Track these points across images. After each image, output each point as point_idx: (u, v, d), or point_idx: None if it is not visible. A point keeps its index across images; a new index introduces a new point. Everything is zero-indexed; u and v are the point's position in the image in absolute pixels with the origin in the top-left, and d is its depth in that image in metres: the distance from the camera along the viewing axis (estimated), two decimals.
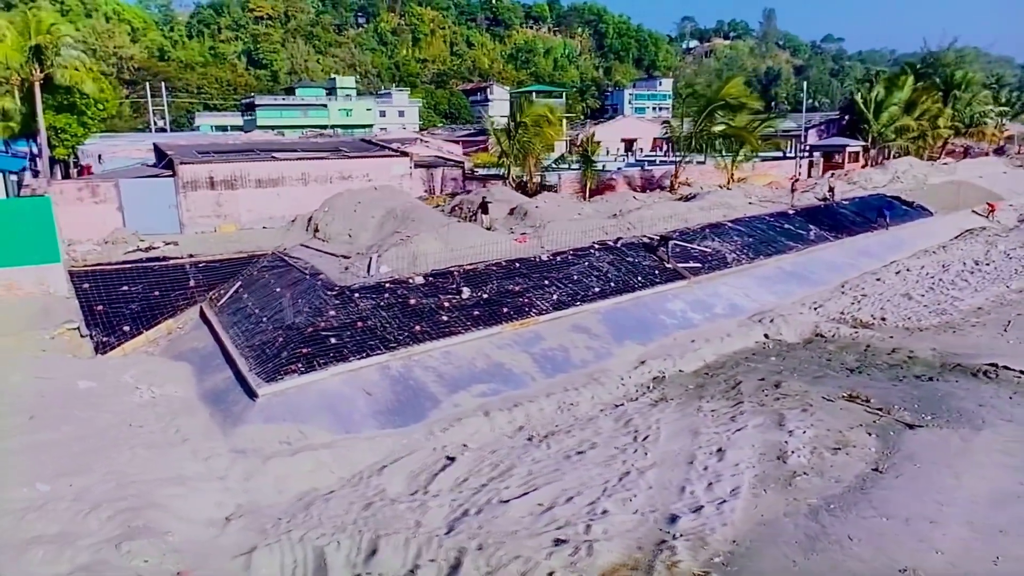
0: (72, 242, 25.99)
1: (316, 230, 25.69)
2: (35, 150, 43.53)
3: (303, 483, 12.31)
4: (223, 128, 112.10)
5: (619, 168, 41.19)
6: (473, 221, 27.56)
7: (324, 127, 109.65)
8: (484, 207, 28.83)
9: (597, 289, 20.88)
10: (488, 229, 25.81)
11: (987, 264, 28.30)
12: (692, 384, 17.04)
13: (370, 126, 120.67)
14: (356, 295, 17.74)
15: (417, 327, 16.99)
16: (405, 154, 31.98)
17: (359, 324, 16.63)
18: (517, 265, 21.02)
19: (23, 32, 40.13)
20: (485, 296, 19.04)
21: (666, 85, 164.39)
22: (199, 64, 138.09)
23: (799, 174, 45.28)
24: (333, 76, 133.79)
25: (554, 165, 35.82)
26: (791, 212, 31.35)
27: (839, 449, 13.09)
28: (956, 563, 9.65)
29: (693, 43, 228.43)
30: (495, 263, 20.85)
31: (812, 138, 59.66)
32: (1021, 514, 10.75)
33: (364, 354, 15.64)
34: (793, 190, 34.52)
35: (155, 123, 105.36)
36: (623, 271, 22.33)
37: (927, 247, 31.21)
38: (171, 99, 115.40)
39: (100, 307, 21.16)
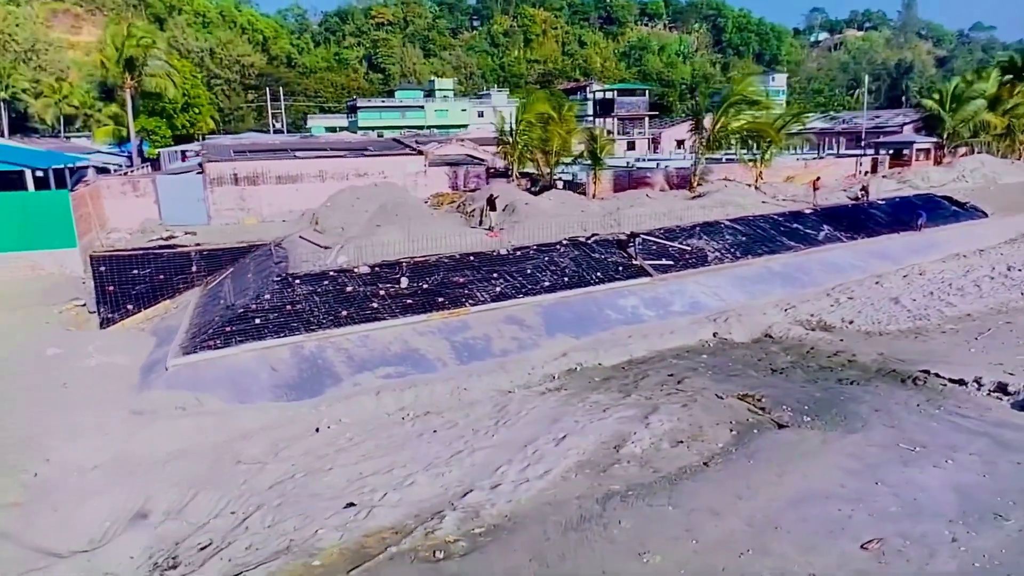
0: (112, 230, 29.30)
1: (316, 223, 27.55)
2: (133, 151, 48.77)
3: (177, 443, 13.78)
4: (332, 129, 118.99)
5: (657, 166, 40.69)
6: (473, 216, 28.51)
7: (421, 127, 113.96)
8: (492, 205, 29.53)
9: (547, 283, 21.30)
10: (489, 228, 26.49)
11: (1021, 270, 26.06)
12: (600, 377, 17.22)
13: (465, 126, 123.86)
14: (297, 282, 19.20)
15: (344, 312, 18.22)
16: (420, 153, 33.36)
17: (288, 307, 18.07)
18: (471, 258, 21.81)
19: (117, 44, 45.03)
20: (425, 286, 19.99)
21: (779, 80, 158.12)
22: (322, 69, 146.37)
23: (859, 172, 42.90)
24: (432, 78, 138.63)
25: (579, 162, 35.98)
26: (809, 212, 30.09)
27: (683, 443, 13.07)
28: (701, 551, 9.68)
29: (822, 35, 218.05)
30: (449, 256, 21.74)
31: (908, 135, 56.03)
32: (811, 514, 10.49)
33: (283, 334, 17.04)
34: (815, 189, 33.00)
35: (273, 125, 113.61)
36: (584, 267, 22.58)
37: (962, 251, 29.04)
38: (290, 103, 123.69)
39: (111, 287, 23.87)
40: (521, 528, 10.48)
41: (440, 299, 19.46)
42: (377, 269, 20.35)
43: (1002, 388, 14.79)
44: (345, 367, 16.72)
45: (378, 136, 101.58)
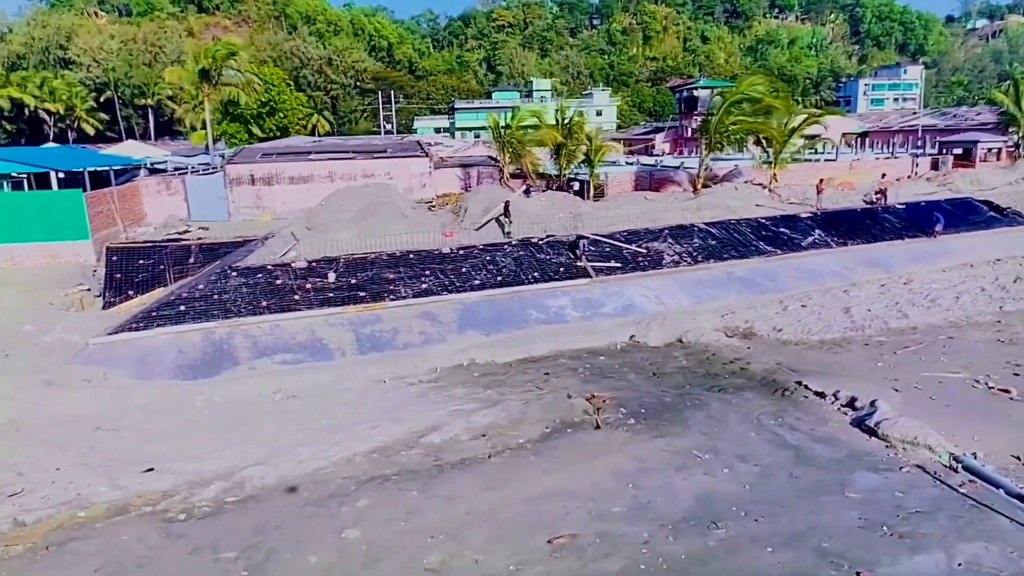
0: (147, 224, 32.73)
1: (308, 221, 29.55)
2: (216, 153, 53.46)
3: (70, 409, 15.77)
4: (437, 130, 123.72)
5: (680, 166, 39.89)
6: (458, 215, 29.51)
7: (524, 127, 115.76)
8: (507, 211, 30.17)
9: (478, 281, 21.98)
10: (507, 234, 26.89)
11: (1020, 281, 23.88)
12: (480, 373, 17.78)
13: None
14: (234, 274, 21.03)
15: (264, 303, 19.82)
16: (427, 155, 34.74)
17: (215, 297, 19.90)
18: (411, 256, 22.84)
19: (196, 58, 49.66)
20: (353, 281, 21.25)
21: (913, 73, 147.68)
22: (441, 72, 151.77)
23: (914, 173, 39.99)
24: (530, 79, 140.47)
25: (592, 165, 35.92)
26: (806, 216, 28.75)
27: (485, 436, 13.54)
28: (401, 532, 10.23)
29: (981, 22, 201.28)
30: (389, 253, 22.89)
31: (975, 134, 51.34)
32: (537, 509, 10.69)
33: (200, 320, 18.86)
34: (819, 192, 31.35)
35: (384, 126, 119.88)
36: (524, 266, 23.05)
37: (975, 260, 26.84)
38: (402, 105, 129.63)
39: (119, 275, 26.87)
40: (268, 500, 11.47)
41: (362, 293, 20.66)
42: (313, 264, 21.85)
43: (851, 403, 14.13)
44: (247, 352, 18.29)
45: (475, 137, 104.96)
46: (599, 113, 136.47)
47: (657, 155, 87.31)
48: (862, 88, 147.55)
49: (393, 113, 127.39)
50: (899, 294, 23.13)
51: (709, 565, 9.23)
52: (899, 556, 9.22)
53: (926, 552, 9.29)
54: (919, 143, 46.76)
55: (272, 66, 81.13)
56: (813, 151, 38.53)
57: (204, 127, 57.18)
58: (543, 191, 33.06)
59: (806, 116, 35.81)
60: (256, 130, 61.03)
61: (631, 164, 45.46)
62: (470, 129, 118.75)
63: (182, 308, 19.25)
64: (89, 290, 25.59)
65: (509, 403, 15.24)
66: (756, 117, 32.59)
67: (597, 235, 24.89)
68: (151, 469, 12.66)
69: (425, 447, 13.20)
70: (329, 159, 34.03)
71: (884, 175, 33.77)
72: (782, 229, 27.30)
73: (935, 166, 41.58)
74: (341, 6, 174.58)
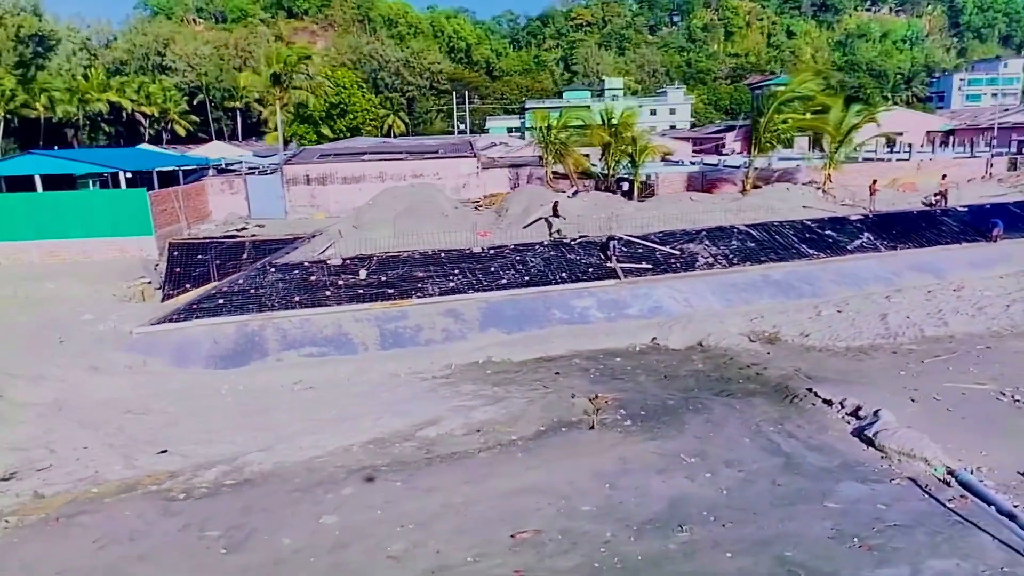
0: (212, 220, 34.57)
1: (355, 220, 30.58)
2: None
3: (108, 393, 17.01)
4: (509, 130, 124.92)
5: (740, 167, 38.93)
6: (500, 215, 29.91)
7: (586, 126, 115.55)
8: (556, 211, 30.41)
9: (505, 281, 22.30)
10: (557, 232, 27.02)
11: None
12: (494, 371, 18.10)
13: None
14: (272, 270, 22.08)
15: (297, 298, 20.75)
16: (474, 156, 35.27)
17: (252, 291, 20.97)
18: (442, 255, 23.37)
19: (269, 63, 52.03)
20: (384, 279, 21.94)
21: (1014, 67, 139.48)
22: (517, 72, 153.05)
23: (988, 173, 37.81)
24: (603, 78, 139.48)
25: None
26: (856, 218, 27.69)
27: (479, 431, 13.87)
28: (376, 520, 10.67)
29: None
30: (422, 252, 23.48)
31: None
32: (510, 503, 10.91)
33: (236, 312, 19.93)
34: (872, 193, 30.04)
35: (457, 126, 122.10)
36: (553, 266, 23.21)
37: None
38: (476, 105, 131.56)
39: (178, 269, 28.54)
40: (262, 484, 12.15)
41: (391, 291, 21.32)
42: (347, 261, 22.68)
43: (855, 412, 13.72)
44: (276, 344, 19.22)
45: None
46: (672, 111, 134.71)
47: (726, 154, 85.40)
48: (956, 83, 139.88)
49: (467, 113, 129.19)
50: (945, 301, 22.06)
51: (664, 567, 9.26)
52: (861, 569, 9.02)
53: (891, 566, 9.05)
54: (993, 142, 44.06)
55: (346, 69, 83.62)
56: (879, 150, 36.94)
57: (277, 128, 59.79)
58: (588, 191, 33.05)
59: (864, 113, 34.33)
60: (326, 131, 63.25)
61: (694, 164, 44.82)
62: (600, 126, 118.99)
63: (220, 301, 20.39)
64: (150, 283, 27.29)
65: (512, 400, 15.51)
66: (807, 115, 31.59)
67: (631, 236, 24.79)
68: (165, 451, 13.58)
69: (420, 440, 13.63)
70: (380, 160, 35.08)
71: (944, 176, 32.01)
72: (828, 232, 26.42)
73: (1014, 166, 39.13)
74: (424, 8, 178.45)
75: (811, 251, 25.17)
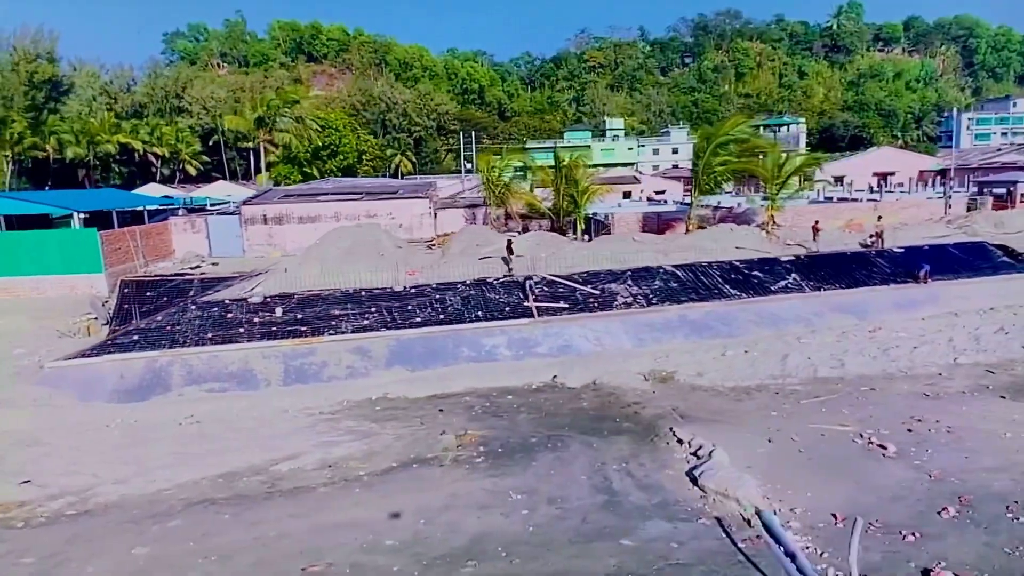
0: (173, 258, 35.52)
1: (303, 258, 31.32)
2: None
3: (9, 424, 17.54)
4: (516, 169, 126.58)
5: (717, 206, 39.41)
6: (442, 253, 30.54)
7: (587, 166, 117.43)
8: (510, 249, 31.03)
9: (419, 319, 22.80)
10: (510, 270, 27.50)
11: (1007, 333, 22.44)
12: (383, 407, 18.42)
13: (631, 164, 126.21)
14: (193, 307, 22.77)
15: (209, 335, 21.37)
16: (427, 197, 36.12)
17: (168, 328, 21.63)
18: (362, 294, 23.95)
19: (254, 108, 53.66)
20: (300, 316, 22.54)
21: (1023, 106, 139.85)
22: (529, 112, 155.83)
23: (946, 214, 37.94)
24: (604, 119, 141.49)
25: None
26: (784, 259, 27.95)
27: (331, 467, 14.24)
28: (189, 551, 11.04)
29: None
30: (343, 291, 24.09)
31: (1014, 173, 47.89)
32: (321, 536, 11.33)
33: (148, 348, 20.57)
34: (815, 233, 30.37)
35: (464, 165, 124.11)
36: (471, 305, 23.69)
37: (967, 308, 25.35)
38: (485, 145, 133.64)
39: (127, 306, 29.29)
40: (99, 515, 12.58)
41: (304, 328, 21.88)
42: (268, 299, 23.32)
43: (696, 452, 13.94)
44: (180, 380, 19.77)
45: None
46: (675, 151, 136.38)
47: (725, 192, 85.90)
48: (965, 123, 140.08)
49: (474, 153, 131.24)
50: (855, 343, 22.22)
51: None
52: None
53: None
54: (952, 183, 44.23)
55: (341, 111, 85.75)
56: (849, 191, 37.15)
57: (262, 169, 61.38)
58: (537, 231, 33.66)
59: (805, 158, 34.80)
60: (313, 171, 64.70)
61: (654, 204, 45.43)
62: (542, 167, 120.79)
63: (135, 337, 21.06)
64: (96, 319, 28.08)
65: (382, 437, 15.88)
66: (741, 158, 32.12)
67: (555, 276, 25.25)
68: (27, 481, 14.06)
69: (270, 474, 14.02)
70: (336, 200, 36.04)
71: (880, 217, 32.20)
72: (755, 272, 26.71)
73: (972, 207, 39.19)
74: (444, 50, 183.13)
75: (734, 292, 25.45)
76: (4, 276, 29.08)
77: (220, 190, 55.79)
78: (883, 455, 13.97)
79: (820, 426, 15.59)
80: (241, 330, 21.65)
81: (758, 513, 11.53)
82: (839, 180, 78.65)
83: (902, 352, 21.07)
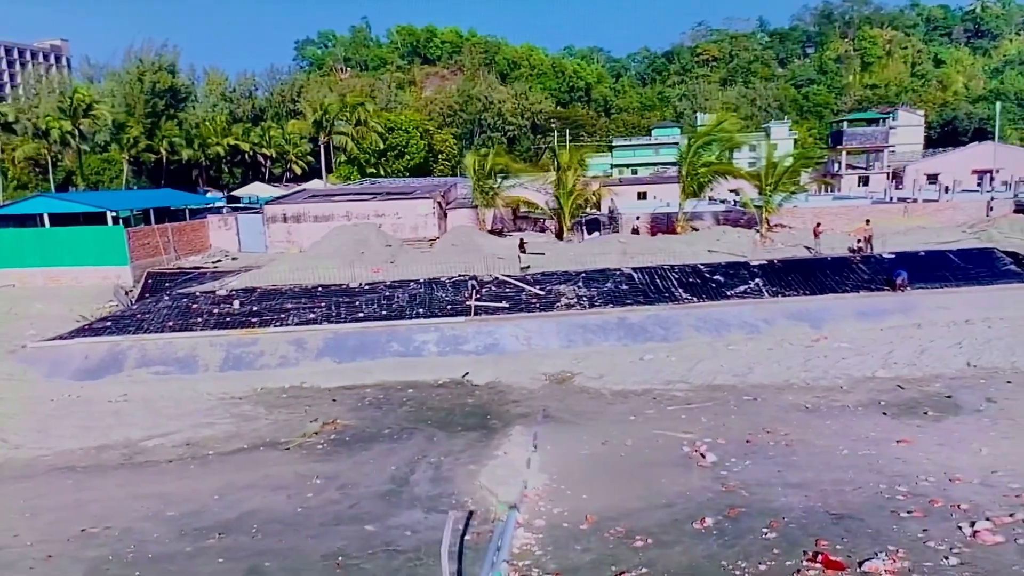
0: (207, 253, 38.92)
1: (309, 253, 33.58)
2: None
3: None
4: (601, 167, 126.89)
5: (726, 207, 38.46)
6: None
7: (673, 163, 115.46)
8: (522, 247, 32.03)
9: (362, 314, 24.19)
10: (524, 268, 28.22)
11: (956, 346, 21.09)
12: (288, 395, 19.88)
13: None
14: (166, 298, 25.22)
15: (171, 323, 23.70)
16: (431, 198, 37.45)
17: (138, 316, 24.17)
18: (319, 290, 25.59)
19: (314, 111, 57.24)
20: (255, 308, 24.45)
21: None
22: (636, 109, 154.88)
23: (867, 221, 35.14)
24: (695, 113, 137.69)
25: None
26: (754, 263, 27.08)
27: (189, 445, 15.86)
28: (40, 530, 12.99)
29: None
30: (302, 286, 25.83)
31: None
32: (112, 508, 12.94)
33: (114, 333, 23.15)
34: (816, 236, 29.02)
35: (557, 163, 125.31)
36: (416, 302, 24.80)
37: (942, 319, 23.79)
38: (584, 142, 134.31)
39: (147, 295, 32.72)
40: None
41: (255, 320, 23.81)
42: (232, 292, 25.46)
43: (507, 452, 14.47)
44: (134, 362, 22.15)
45: (632, 172, 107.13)
46: (774, 147, 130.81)
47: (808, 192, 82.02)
48: None
49: (568, 150, 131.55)
50: (786, 352, 21.54)
51: (162, 564, 10.71)
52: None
53: None
54: (991, 184, 40.35)
55: (414, 112, 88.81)
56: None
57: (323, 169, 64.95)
58: (521, 230, 34.34)
59: (796, 158, 33.21)
60: (381, 171, 67.62)
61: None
62: (627, 165, 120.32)
63: (108, 323, 23.73)
64: (117, 305, 31.49)
65: (258, 421, 17.40)
66: (724, 159, 31.14)
67: (507, 276, 25.92)
68: None
69: (134, 448, 15.84)
70: (349, 201, 38.14)
71: (868, 221, 30.08)
72: (717, 276, 26.15)
73: (1020, 210, 35.78)
74: (561, 49, 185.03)
75: (686, 296, 25.12)
76: (50, 266, 33.13)
77: (257, 190, 59.40)
78: (698, 464, 13.95)
79: (664, 432, 15.64)
80: (199, 320, 23.85)
81: (512, 507, 12.03)
82: (932, 179, 73.17)
83: (827, 363, 20.30)
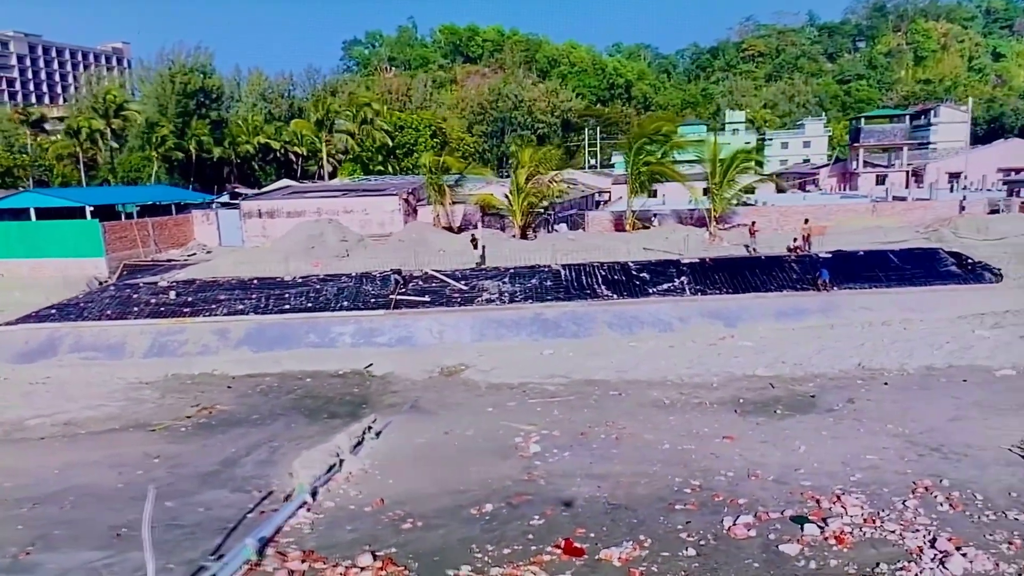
0: (190, 247, 40.60)
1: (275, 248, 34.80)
2: None
3: None
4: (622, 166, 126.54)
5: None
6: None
7: (701, 160, 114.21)
8: (475, 243, 33.05)
9: (288, 306, 25.15)
10: (477, 261, 29.50)
11: (857, 347, 20.94)
12: (192, 381, 20.90)
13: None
14: (111, 288, 26.63)
15: (109, 312, 25.06)
16: (396, 195, 38.32)
17: (80, 305, 25.61)
18: (254, 282, 26.65)
19: (315, 109, 58.78)
20: (190, 299, 25.62)
21: None
22: (677, 106, 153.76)
23: (805, 220, 34.22)
24: (724, 110, 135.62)
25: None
26: (684, 262, 27.10)
27: (67, 424, 17.00)
28: None
29: None
30: (241, 279, 26.92)
31: None
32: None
33: (56, 321, 24.62)
34: (751, 234, 28.79)
35: (588, 161, 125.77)
36: (343, 296, 25.67)
37: (861, 320, 23.58)
38: (618, 140, 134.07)
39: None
40: None
41: (187, 310, 25.00)
42: (173, 284, 26.72)
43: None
44: (67, 348, 23.54)
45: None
46: (807, 144, 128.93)
47: (821, 191, 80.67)
48: None
49: (598, 148, 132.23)
50: (687, 350, 21.71)
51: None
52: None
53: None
54: (966, 182, 38.95)
55: (425, 111, 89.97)
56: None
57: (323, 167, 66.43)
58: (489, 227, 34.88)
59: (739, 156, 32.83)
60: (388, 169, 68.81)
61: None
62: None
63: (53, 311, 25.23)
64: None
65: (144, 404, 18.49)
66: (662, 159, 31.05)
67: (435, 271, 26.56)
68: None
69: (16, 427, 17.07)
70: (320, 197, 39.30)
71: (807, 220, 29.50)
72: (643, 274, 26.30)
73: (996, 210, 34.64)
74: (610, 45, 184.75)
75: (607, 292, 25.38)
76: (35, 257, 35.16)
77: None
78: (520, 455, 14.41)
79: (509, 424, 16.10)
80: (136, 309, 25.16)
81: (311, 493, 12.67)
82: (954, 177, 70.87)
83: (716, 361, 20.46)
